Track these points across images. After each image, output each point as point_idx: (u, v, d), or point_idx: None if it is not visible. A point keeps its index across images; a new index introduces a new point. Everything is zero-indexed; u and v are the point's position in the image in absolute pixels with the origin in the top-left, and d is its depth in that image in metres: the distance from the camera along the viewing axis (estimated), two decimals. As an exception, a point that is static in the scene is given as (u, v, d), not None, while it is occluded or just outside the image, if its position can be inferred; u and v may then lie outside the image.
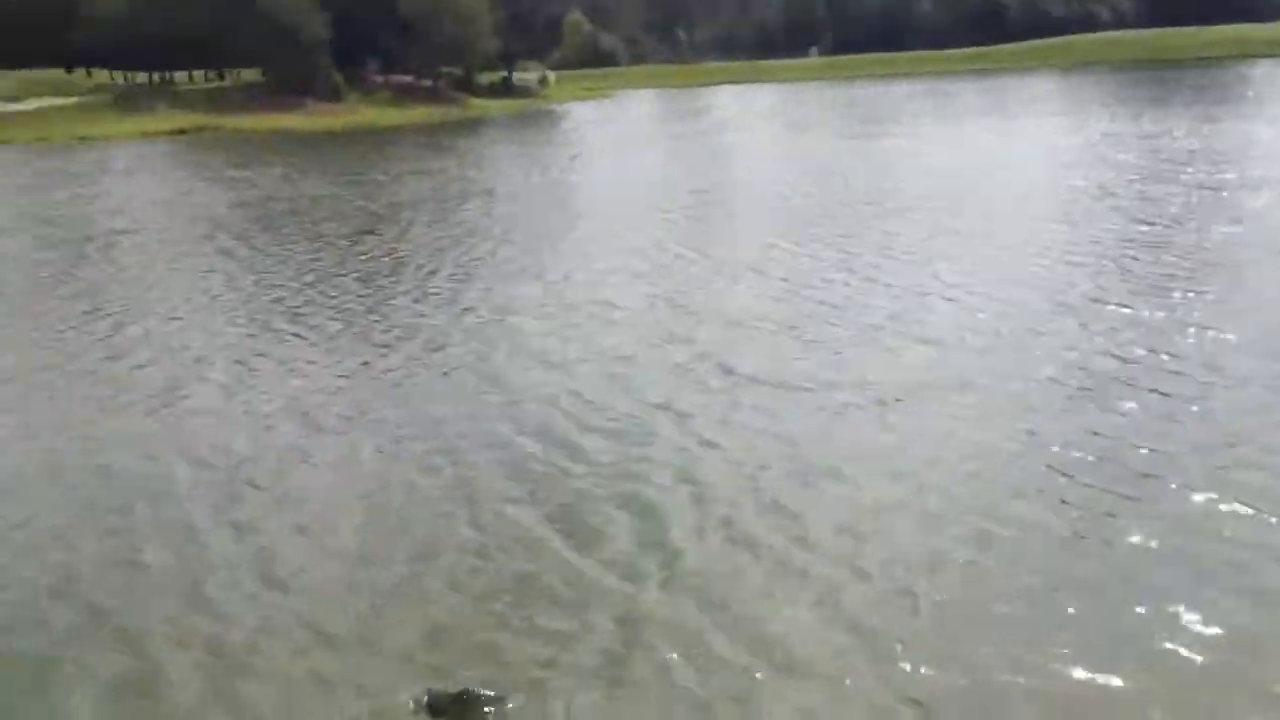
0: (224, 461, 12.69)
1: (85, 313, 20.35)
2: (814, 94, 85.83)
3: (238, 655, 8.79)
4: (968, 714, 7.61)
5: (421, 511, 11.26)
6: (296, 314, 19.47)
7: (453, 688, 7.88)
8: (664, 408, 13.71)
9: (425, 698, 7.84)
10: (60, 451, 13.26)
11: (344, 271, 23.45)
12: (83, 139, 68.82)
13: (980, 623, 8.64)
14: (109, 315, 20.06)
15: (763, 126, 62.95)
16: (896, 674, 8.04)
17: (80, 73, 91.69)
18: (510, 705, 7.80)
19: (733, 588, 9.41)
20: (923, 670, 8.06)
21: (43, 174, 48.34)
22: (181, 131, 73.37)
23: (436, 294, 20.74)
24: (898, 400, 13.56)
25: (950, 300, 18.00)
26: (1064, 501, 10.57)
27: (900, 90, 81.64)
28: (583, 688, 8.05)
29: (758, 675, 8.12)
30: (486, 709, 7.74)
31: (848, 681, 8.02)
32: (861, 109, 70.77)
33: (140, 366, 16.66)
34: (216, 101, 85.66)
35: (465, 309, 19.44)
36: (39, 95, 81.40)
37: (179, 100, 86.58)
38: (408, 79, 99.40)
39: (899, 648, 8.32)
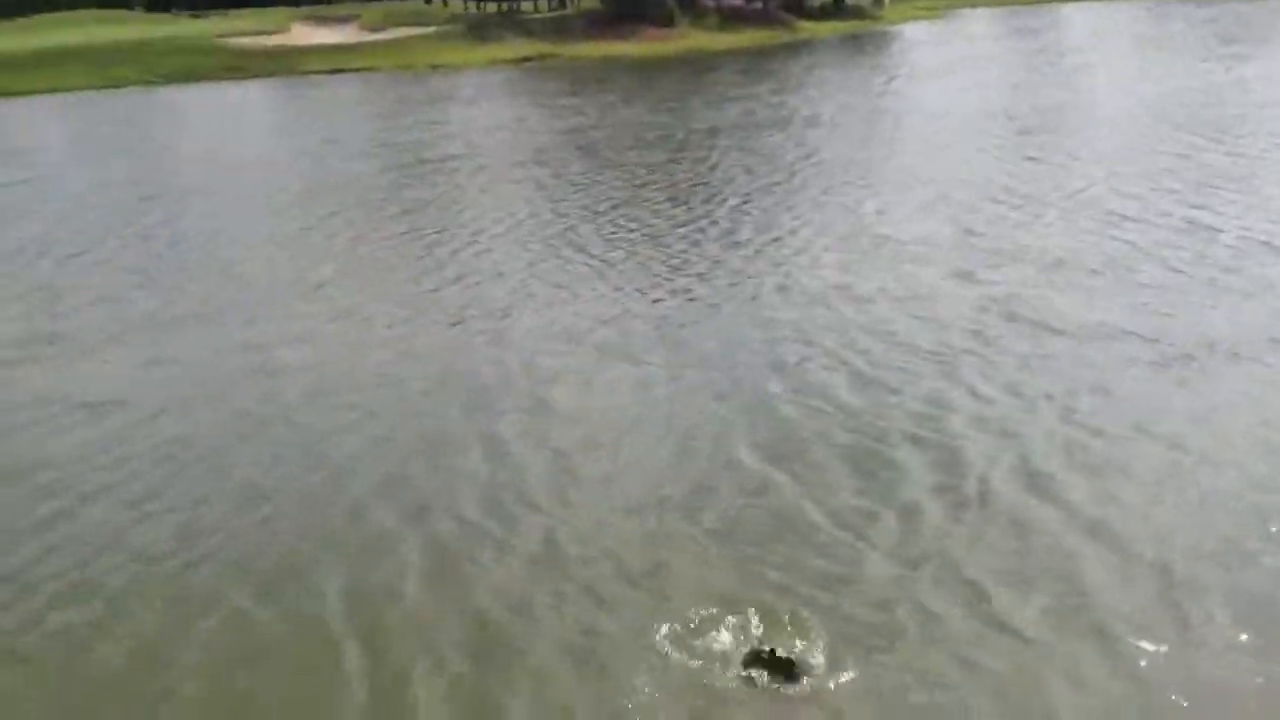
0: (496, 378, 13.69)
1: (402, 234, 22.14)
2: (1176, 9, 77.45)
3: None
4: None
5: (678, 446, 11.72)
6: (582, 244, 20.20)
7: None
8: (957, 350, 13.56)
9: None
10: (354, 369, 14.65)
11: (638, 199, 24.03)
12: (437, 66, 74.01)
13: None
14: (423, 237, 21.70)
15: (1108, 47, 57.69)
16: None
17: (437, 3, 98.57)
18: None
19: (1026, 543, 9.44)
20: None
21: (398, 101, 52.55)
22: (526, 59, 77.24)
23: (717, 226, 20.86)
24: (1234, 354, 12.91)
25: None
26: None
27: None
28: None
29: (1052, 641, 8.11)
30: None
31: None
32: (1226, 27, 63.09)
33: (437, 290, 17.98)
34: (559, 30, 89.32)
35: (740, 242, 19.52)
36: (401, 25, 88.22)
37: (524, 29, 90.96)
38: (738, 2, 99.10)
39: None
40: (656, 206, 23.27)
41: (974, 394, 12.38)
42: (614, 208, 23.35)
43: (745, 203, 22.90)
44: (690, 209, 22.71)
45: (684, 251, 19.21)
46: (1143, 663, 7.83)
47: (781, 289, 16.60)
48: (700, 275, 17.66)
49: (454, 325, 16.06)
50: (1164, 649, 7.93)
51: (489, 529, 10.20)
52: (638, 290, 17.00)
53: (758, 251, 18.86)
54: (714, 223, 21.18)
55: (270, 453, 12.09)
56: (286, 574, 9.66)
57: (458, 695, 7.97)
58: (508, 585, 9.29)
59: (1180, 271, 16.05)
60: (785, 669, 7.77)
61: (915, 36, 76.46)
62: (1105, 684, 7.64)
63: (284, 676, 8.34)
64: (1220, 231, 17.87)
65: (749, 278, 17.30)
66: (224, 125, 48.27)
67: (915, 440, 11.37)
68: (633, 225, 21.54)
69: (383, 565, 9.71)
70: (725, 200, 23.28)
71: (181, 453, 12.18)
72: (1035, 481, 10.44)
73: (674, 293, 16.81)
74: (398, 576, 9.50)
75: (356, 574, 9.60)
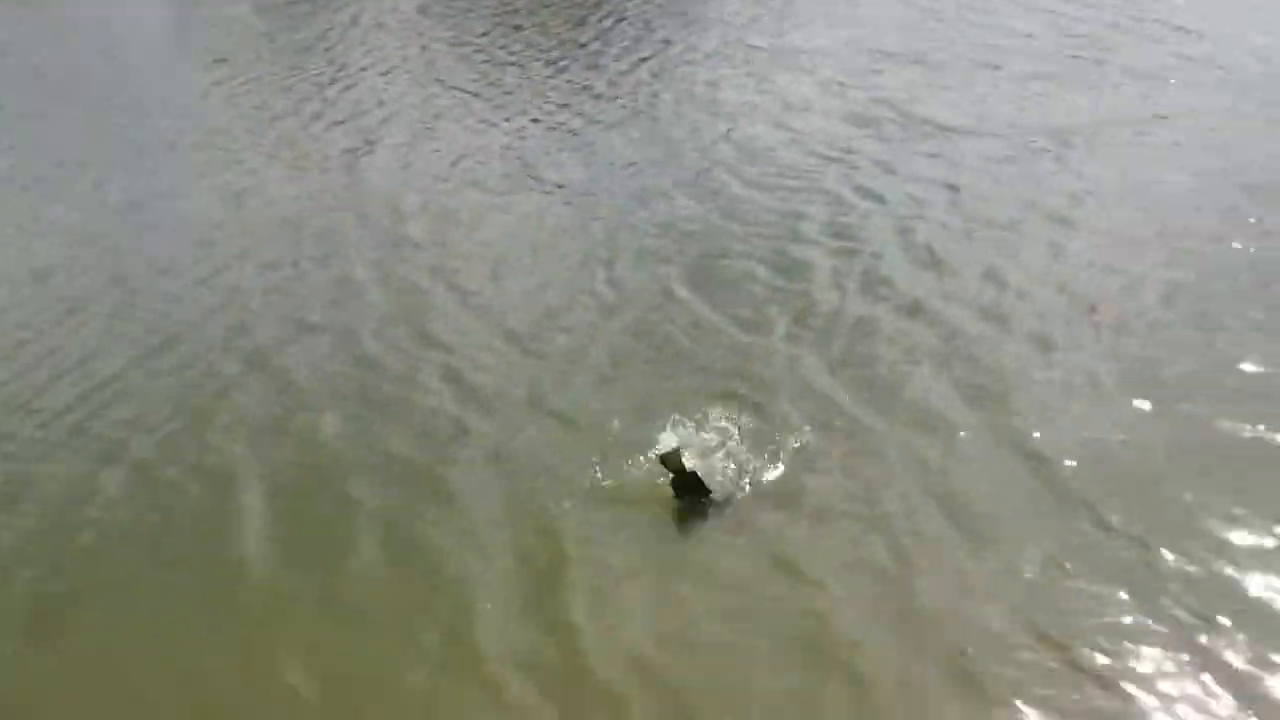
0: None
1: (293, 69, 21.09)
2: None
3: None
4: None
5: (565, 265, 11.83)
6: (482, 73, 19.58)
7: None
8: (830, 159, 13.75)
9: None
10: (248, 206, 14.28)
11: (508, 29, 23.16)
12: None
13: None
14: (307, 78, 20.76)
15: None
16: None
17: None
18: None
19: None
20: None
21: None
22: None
23: (616, 45, 20.32)
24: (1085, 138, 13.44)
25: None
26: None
27: None
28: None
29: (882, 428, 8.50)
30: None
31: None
32: None
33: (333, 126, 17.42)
34: None
35: (641, 59, 19.13)
36: None
37: None
38: None
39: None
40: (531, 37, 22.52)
41: (862, 190, 12.85)
42: (483, 35, 22.48)
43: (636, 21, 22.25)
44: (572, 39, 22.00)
45: (560, 76, 18.79)
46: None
47: (657, 105, 16.57)
48: (593, 92, 17.38)
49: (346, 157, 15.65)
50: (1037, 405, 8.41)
51: (390, 360, 10.28)
52: (505, 120, 16.76)
53: (633, 70, 18.52)
54: (611, 44, 20.59)
55: (161, 308, 11.84)
56: (188, 425, 9.61)
57: (375, 527, 8.08)
58: (416, 417, 9.39)
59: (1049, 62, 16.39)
60: (695, 484, 7.78)
61: None
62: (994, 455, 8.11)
63: (187, 521, 8.41)
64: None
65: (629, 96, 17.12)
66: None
67: (815, 240, 11.79)
68: (505, 54, 20.85)
69: (285, 401, 9.76)
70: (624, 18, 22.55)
71: (74, 313, 11.86)
72: (925, 260, 11.09)
73: (547, 120, 16.59)
74: (307, 413, 9.54)
75: (260, 412, 9.62)
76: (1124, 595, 6.64)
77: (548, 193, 13.91)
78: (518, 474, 8.42)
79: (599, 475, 8.18)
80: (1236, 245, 10.77)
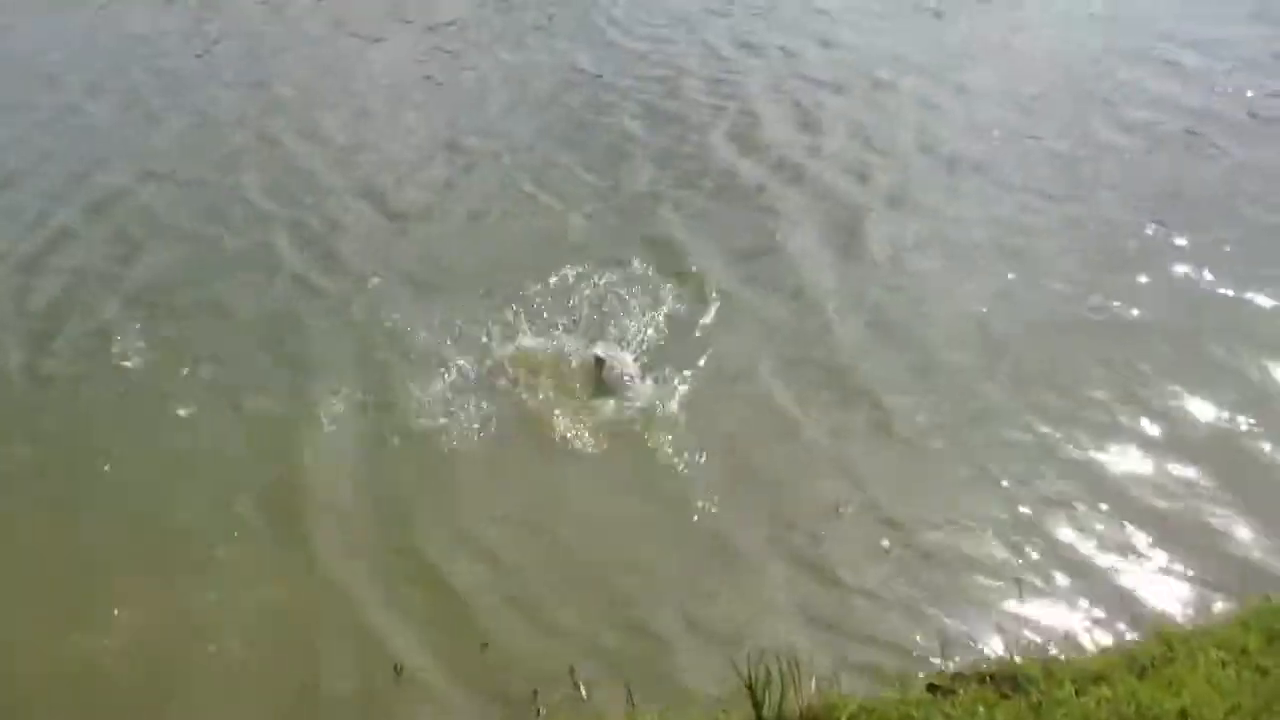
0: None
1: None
2: None
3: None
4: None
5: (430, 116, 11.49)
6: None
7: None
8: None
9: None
10: (99, 43, 13.54)
11: None
12: None
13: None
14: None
15: None
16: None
17: None
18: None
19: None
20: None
21: None
22: None
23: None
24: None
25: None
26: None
27: None
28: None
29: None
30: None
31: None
32: None
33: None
34: None
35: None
36: None
37: None
38: None
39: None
40: None
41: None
42: None
43: None
44: None
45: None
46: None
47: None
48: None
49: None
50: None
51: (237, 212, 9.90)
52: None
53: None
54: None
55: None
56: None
57: (208, 385, 7.70)
58: (260, 274, 9.00)
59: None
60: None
61: None
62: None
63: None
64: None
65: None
66: None
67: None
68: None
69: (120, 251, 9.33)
70: None
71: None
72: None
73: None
74: (143, 267, 9.14)
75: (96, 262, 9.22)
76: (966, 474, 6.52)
77: (418, 34, 13.39)
78: (365, 339, 7.96)
79: (449, 344, 7.76)
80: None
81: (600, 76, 12.06)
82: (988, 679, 5.09)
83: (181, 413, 7.31)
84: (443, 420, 7.07)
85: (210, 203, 9.99)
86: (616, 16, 13.59)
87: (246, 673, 5.51)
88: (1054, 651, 5.25)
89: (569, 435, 6.94)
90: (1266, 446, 6.53)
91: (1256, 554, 5.84)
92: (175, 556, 6.20)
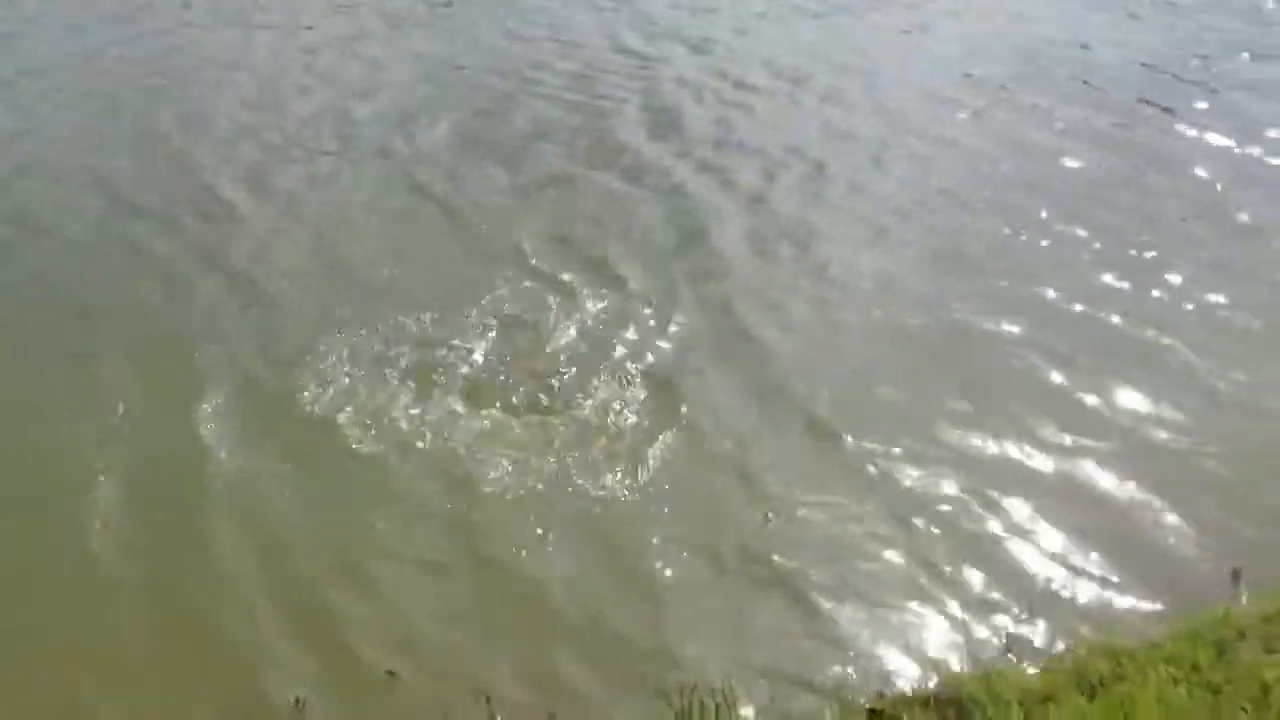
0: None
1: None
2: None
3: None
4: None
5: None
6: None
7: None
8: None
9: None
10: None
11: None
12: None
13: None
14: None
15: None
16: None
17: None
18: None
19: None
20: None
21: None
22: None
23: None
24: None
25: None
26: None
27: None
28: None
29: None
30: None
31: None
32: None
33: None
34: None
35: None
36: None
37: None
38: None
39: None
40: None
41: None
42: None
43: None
44: None
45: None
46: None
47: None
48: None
49: None
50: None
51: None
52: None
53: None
54: None
55: None
56: None
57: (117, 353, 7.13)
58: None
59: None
60: None
61: None
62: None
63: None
64: None
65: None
66: None
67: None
68: None
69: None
70: None
71: None
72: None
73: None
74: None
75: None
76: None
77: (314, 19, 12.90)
78: (237, 339, 7.35)
79: (341, 345, 7.16)
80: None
81: (485, 79, 11.60)
82: (931, 702, 4.79)
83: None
84: (342, 432, 6.48)
85: (75, 194, 9.20)
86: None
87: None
88: (999, 669, 4.95)
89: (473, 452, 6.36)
90: (1198, 448, 6.40)
91: (1193, 555, 5.68)
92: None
